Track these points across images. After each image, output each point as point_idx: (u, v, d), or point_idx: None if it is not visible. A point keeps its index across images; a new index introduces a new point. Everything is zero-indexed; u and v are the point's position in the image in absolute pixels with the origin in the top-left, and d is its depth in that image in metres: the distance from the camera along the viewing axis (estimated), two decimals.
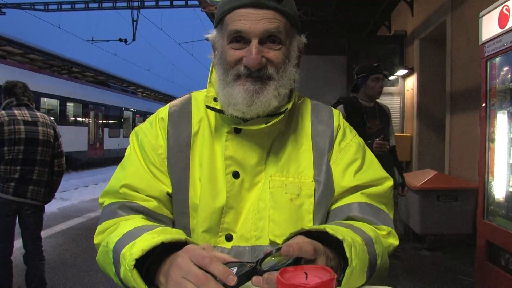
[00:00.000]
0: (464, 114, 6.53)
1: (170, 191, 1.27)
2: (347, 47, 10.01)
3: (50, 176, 4.15)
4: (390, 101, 10.08)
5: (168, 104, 1.40)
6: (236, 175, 1.24)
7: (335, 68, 9.92)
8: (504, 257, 3.34)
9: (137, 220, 1.19)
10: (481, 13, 3.93)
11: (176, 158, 1.29)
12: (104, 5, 19.86)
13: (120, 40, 22.45)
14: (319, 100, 1.49)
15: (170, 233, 1.05)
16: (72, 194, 11.87)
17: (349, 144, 1.36)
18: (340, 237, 0.99)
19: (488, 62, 3.84)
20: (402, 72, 9.49)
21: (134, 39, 21.00)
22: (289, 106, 1.26)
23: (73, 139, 18.98)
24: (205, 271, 0.88)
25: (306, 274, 0.82)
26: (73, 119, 20.25)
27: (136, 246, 0.99)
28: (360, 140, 1.42)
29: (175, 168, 1.28)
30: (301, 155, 1.30)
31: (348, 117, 3.61)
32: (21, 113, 3.96)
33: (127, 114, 26.72)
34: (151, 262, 1.01)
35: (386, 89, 10.08)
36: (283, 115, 1.24)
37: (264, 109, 1.20)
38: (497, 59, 3.74)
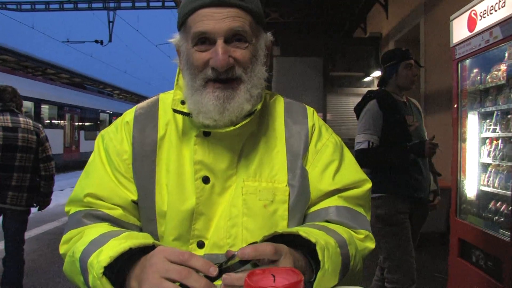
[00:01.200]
0: (438, 115, 6.65)
1: (135, 198, 1.23)
2: (323, 48, 10.10)
3: (32, 181, 4.12)
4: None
5: (135, 107, 1.36)
6: (206, 180, 1.20)
7: (312, 69, 9.99)
8: (475, 254, 3.42)
9: (103, 227, 1.15)
10: (452, 17, 4.02)
11: (142, 164, 1.24)
12: (80, 5, 19.67)
13: (96, 41, 22.26)
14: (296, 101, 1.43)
15: (137, 238, 1.04)
16: None
17: (325, 145, 1.32)
18: (313, 240, 0.98)
19: (459, 64, 3.92)
20: (377, 73, 9.61)
21: (110, 41, 20.83)
22: (259, 106, 1.21)
23: None
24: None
25: (274, 276, 0.82)
26: (48, 121, 19.97)
27: (103, 254, 0.97)
28: (337, 138, 1.38)
29: (140, 174, 1.24)
30: (274, 158, 1.26)
31: (384, 114, 3.26)
32: (2, 119, 3.95)
33: (103, 116, 26.45)
34: (120, 268, 0.98)
35: (362, 90, 10.19)
36: (252, 116, 1.19)
37: (237, 114, 1.16)
38: (467, 61, 3.83)
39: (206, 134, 1.20)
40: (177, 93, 1.27)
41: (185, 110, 1.22)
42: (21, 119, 4.10)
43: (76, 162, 21.67)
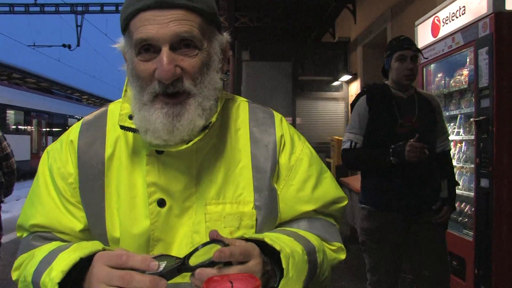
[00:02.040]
0: None
1: (82, 227, 1.12)
2: (292, 53, 10.19)
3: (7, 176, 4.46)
4: (334, 106, 10.34)
5: (81, 121, 1.21)
6: (161, 203, 1.07)
7: (281, 74, 10.06)
8: None
9: (52, 245, 1.07)
10: (417, 22, 4.13)
11: (89, 188, 1.11)
12: (46, 9, 19.29)
13: (64, 45, 21.84)
14: (266, 106, 1.29)
15: (86, 247, 0.96)
16: (14, 205, 11.39)
17: (299, 159, 1.19)
18: (278, 248, 0.93)
19: (424, 69, 4.02)
20: (346, 77, 9.75)
21: (78, 45, 20.51)
22: (213, 119, 1.06)
23: (14, 148, 18.18)
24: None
25: (231, 283, 0.82)
26: (14, 127, 19.52)
27: (54, 270, 0.91)
28: (310, 148, 1.25)
29: (88, 199, 1.11)
30: (238, 175, 1.13)
31: (370, 111, 2.90)
32: None
33: (72, 121, 26.01)
34: (74, 281, 0.92)
35: (331, 94, 10.33)
36: (206, 131, 1.05)
37: (188, 132, 1.03)
38: (432, 66, 3.93)
39: (159, 152, 1.07)
40: (125, 106, 1.11)
41: (134, 126, 1.07)
42: None
43: None
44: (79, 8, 19.43)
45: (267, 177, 1.14)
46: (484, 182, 2.98)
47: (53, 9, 19.34)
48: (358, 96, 3.07)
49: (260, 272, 0.89)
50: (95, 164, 1.12)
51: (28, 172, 19.42)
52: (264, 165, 1.14)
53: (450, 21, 3.48)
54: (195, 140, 1.04)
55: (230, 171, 1.13)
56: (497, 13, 2.88)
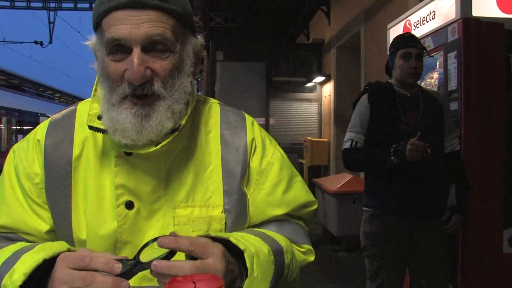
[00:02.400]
0: None
1: (49, 228, 1.09)
2: (267, 54, 10.22)
3: None
4: (308, 107, 10.41)
5: (49, 120, 1.18)
6: (129, 205, 1.06)
7: (255, 74, 10.08)
8: None
9: (16, 245, 1.04)
10: (389, 25, 4.18)
11: (56, 189, 1.09)
12: (17, 4, 18.82)
13: (36, 42, 21.46)
14: (239, 107, 1.28)
15: (51, 248, 0.93)
16: None
17: (270, 163, 1.18)
18: (242, 247, 0.92)
19: None
20: (319, 79, 9.83)
21: (51, 42, 20.13)
22: (183, 121, 1.05)
23: None
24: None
25: (194, 283, 0.82)
26: None
27: (16, 272, 0.88)
28: (281, 152, 1.24)
29: (55, 200, 1.09)
30: (208, 178, 1.12)
31: (372, 109, 2.77)
32: None
33: (43, 120, 25.47)
34: (37, 283, 0.90)
35: (305, 95, 10.40)
36: (175, 134, 1.04)
37: (157, 133, 1.01)
38: None
39: (128, 153, 1.05)
40: (94, 106, 1.08)
41: (103, 127, 1.04)
42: None
43: None
44: (52, 5, 19.04)
45: (237, 180, 1.13)
46: None
47: (24, 4, 18.90)
48: (360, 95, 2.96)
49: (222, 271, 0.87)
50: (62, 164, 1.10)
51: None
52: (234, 169, 1.13)
53: (421, 25, 3.54)
54: (164, 142, 1.02)
55: (199, 174, 1.12)
56: (465, 19, 2.96)
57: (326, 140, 9.58)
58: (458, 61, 2.99)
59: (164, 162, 1.08)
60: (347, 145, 2.82)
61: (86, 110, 1.11)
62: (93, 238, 1.07)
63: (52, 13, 19.17)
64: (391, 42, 2.92)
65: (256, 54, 10.44)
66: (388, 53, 2.91)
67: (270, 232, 1.13)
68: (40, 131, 1.16)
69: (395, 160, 2.58)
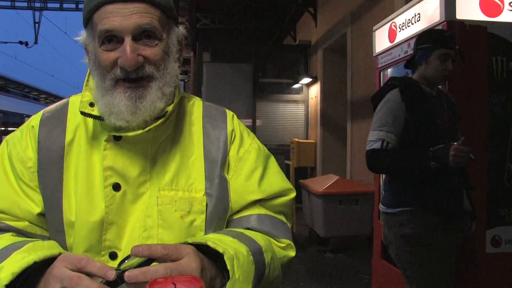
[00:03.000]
0: (363, 121, 6.89)
1: (40, 210, 1.15)
2: (253, 55, 10.23)
3: None
4: (295, 109, 10.43)
5: (42, 110, 1.26)
6: (116, 187, 1.12)
7: (242, 75, 10.08)
8: None
9: (5, 239, 1.07)
10: (374, 27, 4.21)
11: (48, 172, 1.16)
12: (1, 3, 18.60)
13: (21, 42, 21.25)
14: (226, 108, 1.36)
15: (42, 249, 0.98)
16: None
17: (248, 151, 1.26)
18: (221, 250, 0.95)
19: (381, 73, 4.10)
20: (306, 80, 9.86)
21: (36, 42, 19.96)
22: (170, 108, 1.14)
23: None
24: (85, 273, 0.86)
25: (175, 284, 0.83)
26: None
27: (4, 270, 0.91)
28: (259, 144, 1.32)
29: (46, 182, 1.15)
30: (191, 166, 1.19)
31: (407, 108, 2.54)
32: None
33: None
34: (24, 283, 0.93)
35: (291, 96, 10.43)
36: (162, 119, 1.12)
37: (150, 113, 1.10)
38: (389, 70, 4.02)
39: (117, 138, 1.13)
40: (86, 94, 1.18)
41: (94, 113, 1.14)
42: None
43: None
44: (37, 4, 18.86)
45: (218, 167, 1.21)
46: None
47: (8, 3, 18.67)
48: (384, 90, 2.71)
49: (197, 268, 0.90)
50: (55, 149, 1.17)
51: None
52: (215, 156, 1.22)
53: (406, 27, 3.57)
54: (152, 126, 1.10)
55: (183, 161, 1.19)
56: (449, 22, 3.00)
57: (313, 141, 9.61)
58: None
59: (151, 147, 1.17)
60: (376, 145, 2.57)
61: (78, 100, 1.19)
62: (81, 219, 1.12)
63: (37, 13, 19.01)
64: (423, 36, 2.69)
65: (243, 55, 10.44)
66: (416, 47, 2.69)
67: (249, 231, 1.17)
68: (35, 118, 1.24)
69: (435, 165, 2.40)
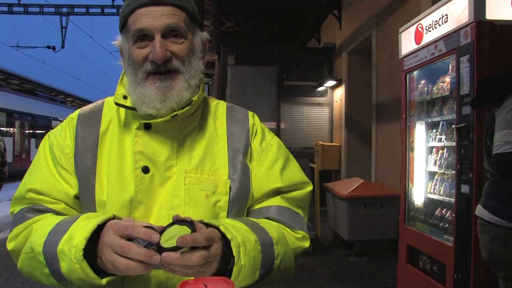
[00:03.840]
0: (388, 124, 6.83)
1: (75, 192, 1.27)
2: (278, 58, 10.21)
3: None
4: (319, 112, 10.38)
5: (81, 108, 1.42)
6: (145, 170, 1.24)
7: (266, 78, 10.07)
8: (422, 259, 3.53)
9: (52, 218, 1.20)
10: (400, 29, 4.16)
11: (83, 157, 1.29)
12: (30, 9, 19.01)
13: (48, 47, 21.63)
14: (250, 110, 1.48)
15: (95, 216, 1.09)
16: None
17: (270, 144, 1.39)
18: (229, 236, 1.05)
19: (407, 75, 4.06)
20: (330, 83, 9.80)
21: (63, 47, 20.28)
22: (195, 98, 1.27)
23: None
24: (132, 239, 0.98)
25: (206, 286, 0.84)
26: None
27: (76, 238, 1.03)
28: (279, 140, 1.45)
29: (81, 166, 1.28)
30: (216, 154, 1.32)
31: None
32: None
33: (55, 124, 25.74)
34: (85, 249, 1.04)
35: (316, 99, 10.38)
36: (188, 107, 1.25)
37: (177, 101, 1.23)
38: (415, 72, 3.97)
39: (147, 127, 1.26)
40: (120, 88, 1.33)
41: (127, 104, 1.28)
42: None
43: (26, 171, 20.94)
44: (64, 10, 19.21)
45: (240, 155, 1.33)
46: (465, 188, 3.01)
47: (37, 10, 19.09)
48: (499, 90, 2.43)
49: (220, 255, 1.02)
50: (91, 137, 1.31)
51: (9, 175, 19.15)
52: (238, 146, 1.34)
53: (433, 29, 3.52)
54: (179, 112, 1.23)
55: (209, 149, 1.32)
56: (478, 22, 2.92)
57: (337, 144, 9.55)
58: (470, 65, 2.96)
59: (177, 136, 1.29)
60: None
61: (113, 98, 1.34)
62: (112, 198, 1.24)
63: (64, 18, 19.32)
64: None
65: (267, 58, 10.42)
66: None
67: (265, 223, 1.25)
68: (74, 113, 1.39)
69: None
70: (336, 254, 6.44)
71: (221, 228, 1.06)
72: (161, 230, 1.00)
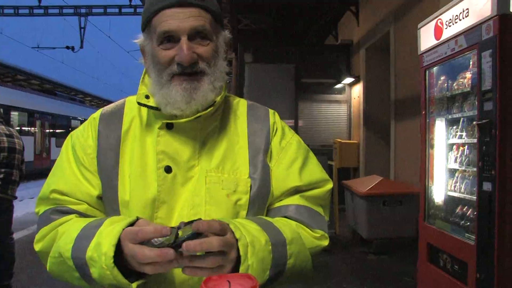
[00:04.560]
0: (407, 121, 6.76)
1: (97, 193, 1.29)
2: (295, 55, 10.17)
3: (18, 177, 4.99)
4: (337, 109, 10.32)
5: (103, 108, 1.43)
6: (168, 169, 1.25)
7: (284, 76, 10.04)
8: (442, 258, 3.48)
9: (75, 221, 1.23)
10: (419, 25, 4.10)
11: (106, 157, 1.30)
12: (50, 11, 19.30)
13: (67, 47, 21.91)
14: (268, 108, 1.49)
15: (118, 221, 1.12)
16: (17, 206, 11.34)
17: (289, 143, 1.39)
18: (237, 236, 1.05)
19: (427, 72, 4.00)
20: (348, 80, 9.74)
21: (82, 47, 20.53)
22: (218, 98, 1.28)
23: None
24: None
25: (229, 282, 0.83)
26: (18, 128, 19.54)
27: (104, 245, 1.05)
28: (299, 138, 1.45)
29: (104, 166, 1.29)
30: (237, 153, 1.32)
31: None
32: (1, 128, 4.86)
33: (75, 123, 26.07)
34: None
35: (334, 96, 10.32)
36: (212, 108, 1.26)
37: (202, 103, 1.23)
38: (434, 68, 3.91)
39: (169, 126, 1.27)
40: (142, 88, 1.33)
41: (150, 103, 1.29)
42: (11, 128, 5.08)
43: (47, 170, 21.18)
44: (83, 10, 19.45)
45: (261, 154, 1.33)
46: (487, 186, 2.95)
47: (56, 11, 19.35)
48: None
49: (234, 244, 1.04)
50: (113, 137, 1.32)
51: (31, 173, 19.44)
52: (259, 145, 1.34)
53: (453, 24, 3.46)
54: (203, 113, 1.24)
55: (229, 148, 1.32)
56: (502, 16, 2.84)
57: (356, 142, 9.49)
58: (493, 60, 2.89)
59: (199, 135, 1.30)
60: None
61: (134, 98, 1.35)
62: (135, 198, 1.25)
63: (83, 19, 19.56)
64: None
65: (285, 56, 10.39)
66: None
67: (280, 222, 1.25)
68: (96, 113, 1.40)
69: None
70: (355, 252, 6.41)
71: (231, 226, 1.07)
72: (177, 226, 1.03)
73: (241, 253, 1.04)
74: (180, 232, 1.00)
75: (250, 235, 1.08)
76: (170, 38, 1.22)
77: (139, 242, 1.01)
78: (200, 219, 1.03)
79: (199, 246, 0.96)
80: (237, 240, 1.05)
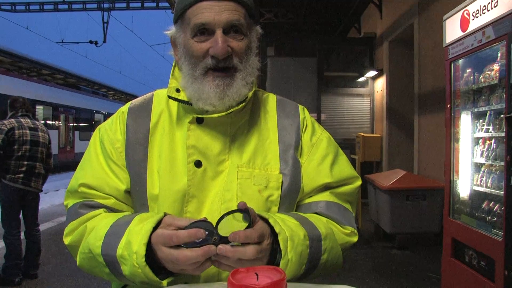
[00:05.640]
0: (431, 115, 6.66)
1: (126, 187, 1.28)
2: (318, 49, 10.10)
3: (44, 170, 5.11)
4: (360, 102, 10.23)
5: (131, 101, 1.43)
6: (198, 164, 1.25)
7: (306, 69, 9.98)
8: (468, 253, 3.42)
9: (104, 217, 1.23)
10: (445, 16, 4.03)
11: (134, 151, 1.30)
12: (74, 6, 19.60)
13: (91, 42, 22.17)
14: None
15: (147, 218, 1.12)
16: (42, 198, 11.53)
17: (319, 139, 1.39)
18: (277, 230, 1.06)
19: (452, 64, 3.93)
20: (371, 73, 9.64)
21: (104, 41, 20.78)
22: (250, 94, 1.28)
23: None
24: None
25: (257, 274, 0.84)
26: (43, 122, 19.86)
27: (134, 244, 1.05)
28: (329, 134, 1.45)
29: (133, 160, 1.29)
30: (267, 148, 1.32)
31: None
32: (25, 121, 5.00)
33: (98, 116, 26.39)
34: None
35: (356, 90, 10.24)
36: (243, 104, 1.26)
37: (236, 99, 1.24)
38: (460, 61, 3.84)
39: (199, 121, 1.26)
40: (172, 81, 1.33)
41: (180, 97, 1.28)
42: (36, 122, 5.19)
43: (71, 163, 21.58)
44: (106, 5, 19.67)
45: (291, 149, 1.33)
46: None
47: (80, 6, 19.62)
48: None
49: (269, 250, 1.04)
50: (141, 131, 1.32)
51: (55, 166, 19.71)
52: (289, 140, 1.34)
53: (480, 15, 3.38)
54: (234, 109, 1.25)
55: (260, 143, 1.32)
56: None
57: (379, 135, 9.40)
58: None
59: (229, 130, 1.29)
60: None
61: (163, 92, 1.37)
62: (165, 192, 1.25)
63: (106, 13, 19.78)
64: None
65: (307, 49, 10.35)
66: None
67: (314, 217, 1.26)
68: (124, 107, 1.40)
69: None
70: (377, 246, 6.36)
71: (271, 221, 1.07)
72: (217, 221, 1.04)
73: (281, 247, 1.05)
74: (223, 223, 1.03)
75: (289, 230, 1.09)
76: (204, 31, 1.21)
77: (173, 246, 1.01)
78: (246, 208, 1.04)
79: (231, 253, 0.97)
80: (277, 234, 1.06)
